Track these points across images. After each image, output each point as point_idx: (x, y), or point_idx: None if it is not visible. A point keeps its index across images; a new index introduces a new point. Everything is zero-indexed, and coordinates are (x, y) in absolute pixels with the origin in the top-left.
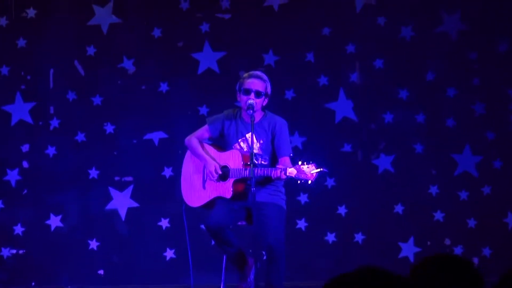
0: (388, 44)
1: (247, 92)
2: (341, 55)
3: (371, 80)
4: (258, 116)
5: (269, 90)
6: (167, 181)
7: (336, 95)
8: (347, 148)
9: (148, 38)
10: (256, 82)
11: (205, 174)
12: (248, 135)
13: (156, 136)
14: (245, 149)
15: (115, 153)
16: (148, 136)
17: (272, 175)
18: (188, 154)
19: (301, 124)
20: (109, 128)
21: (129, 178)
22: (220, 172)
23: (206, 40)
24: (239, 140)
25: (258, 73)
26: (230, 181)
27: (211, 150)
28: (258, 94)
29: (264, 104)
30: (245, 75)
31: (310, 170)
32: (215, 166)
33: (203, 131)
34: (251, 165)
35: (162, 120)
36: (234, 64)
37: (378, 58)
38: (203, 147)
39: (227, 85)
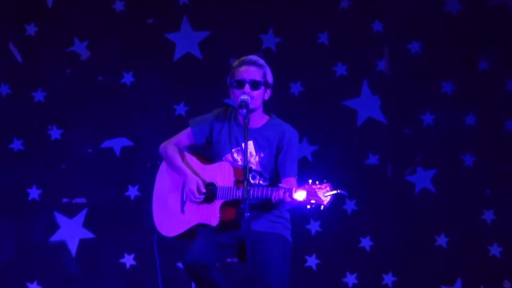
0: (428, 21)
1: (240, 84)
2: (365, 36)
3: (405, 69)
4: (259, 119)
5: (269, 78)
6: (132, 203)
7: (358, 90)
8: (372, 160)
9: (107, 13)
10: (251, 69)
11: (185, 193)
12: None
13: (118, 144)
14: (240, 162)
15: (63, 166)
16: (106, 144)
17: (273, 197)
18: (163, 166)
19: (311, 128)
20: (55, 133)
21: (82, 200)
22: (205, 191)
23: (184, 16)
24: (233, 150)
25: (253, 57)
26: (217, 204)
27: (193, 161)
28: (254, 85)
29: (266, 98)
30: (236, 62)
31: (324, 191)
32: (197, 183)
33: (184, 136)
34: (245, 182)
35: (126, 122)
36: (221, 48)
37: (414, 40)
38: (183, 157)
39: (212, 76)
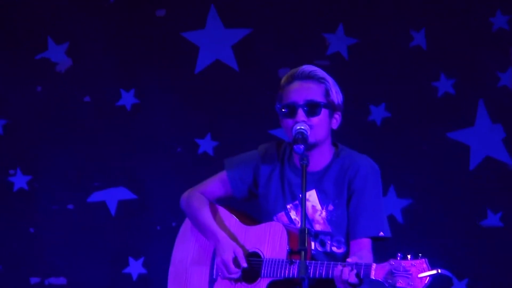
0: None
1: (291, 110)
2: (481, 35)
3: None
4: (324, 157)
5: (336, 96)
6: (134, 284)
7: (472, 116)
8: (492, 220)
9: (96, 2)
10: (306, 86)
11: (216, 266)
12: (306, 195)
13: (113, 197)
14: (300, 223)
15: (30, 230)
16: (96, 197)
17: (336, 275)
18: (185, 226)
19: (400, 173)
20: (19, 181)
21: (60, 281)
22: (246, 265)
23: (212, 6)
24: (289, 207)
25: (308, 68)
26: (262, 284)
27: (230, 220)
28: (312, 109)
29: (334, 126)
30: (284, 78)
31: (418, 270)
32: (235, 251)
33: (217, 183)
34: (303, 253)
35: (125, 165)
36: (267, 54)
37: None
38: (215, 213)
39: (253, 95)
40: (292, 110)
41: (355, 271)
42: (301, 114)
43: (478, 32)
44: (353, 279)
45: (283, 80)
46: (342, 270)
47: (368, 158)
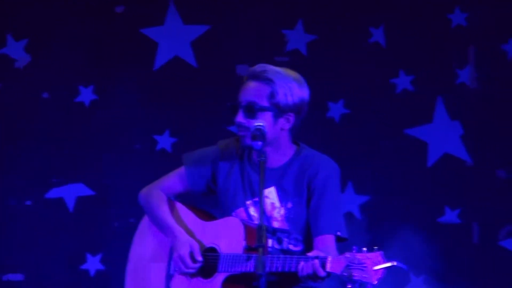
0: None
1: (234, 108)
2: (440, 33)
3: (500, 81)
4: (283, 153)
5: (283, 97)
6: (92, 281)
7: (430, 113)
8: (450, 216)
9: None
10: (251, 86)
11: (173, 262)
12: (266, 192)
13: (71, 193)
14: (257, 220)
15: None
16: (54, 193)
17: (300, 270)
18: (143, 223)
19: (359, 170)
20: None
21: (17, 277)
22: (201, 259)
23: (171, 3)
24: (248, 203)
25: (259, 67)
26: (219, 279)
27: (188, 216)
28: (249, 111)
29: (285, 127)
30: (245, 76)
31: (373, 263)
32: (191, 246)
33: (175, 179)
34: (261, 249)
35: (84, 161)
36: (225, 50)
37: None
38: (173, 209)
39: (212, 92)
40: (235, 109)
41: (321, 262)
42: (240, 115)
43: (437, 29)
44: (316, 269)
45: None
46: (306, 263)
47: (329, 158)
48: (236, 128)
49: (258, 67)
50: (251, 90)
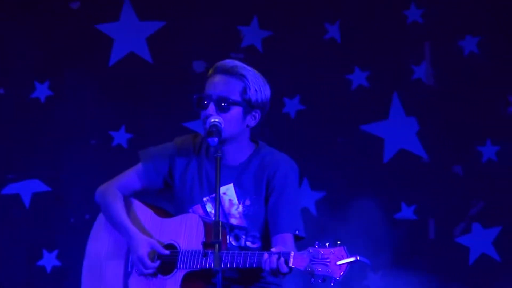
0: (491, 6)
1: (202, 102)
2: (395, 29)
3: (455, 78)
4: (242, 151)
5: (254, 94)
6: (48, 278)
7: (386, 109)
8: (406, 212)
9: None
10: (222, 80)
11: (130, 261)
12: (224, 189)
13: (27, 189)
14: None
15: None
16: (9, 190)
17: (263, 265)
18: (99, 220)
19: (315, 165)
20: None
21: None
22: (167, 252)
23: None
24: (205, 199)
25: (230, 62)
26: (178, 276)
27: (145, 213)
28: (221, 105)
29: (251, 124)
30: (210, 70)
31: (336, 258)
32: (151, 245)
33: (132, 176)
34: (217, 245)
35: (39, 157)
36: (181, 46)
37: (468, 35)
38: (129, 207)
39: (168, 88)
40: (203, 103)
41: (283, 258)
42: (211, 108)
43: (393, 25)
44: (279, 265)
45: (209, 71)
46: (269, 258)
47: (288, 157)
48: (202, 121)
49: (229, 62)
50: (223, 85)
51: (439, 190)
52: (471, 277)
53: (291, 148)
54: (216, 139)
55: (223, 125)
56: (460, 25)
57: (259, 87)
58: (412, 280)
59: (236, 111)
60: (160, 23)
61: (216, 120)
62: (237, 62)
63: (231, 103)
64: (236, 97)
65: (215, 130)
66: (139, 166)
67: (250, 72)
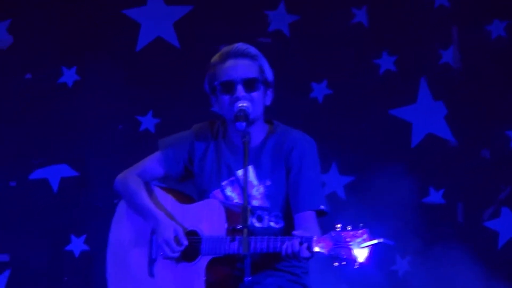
0: None
1: (229, 87)
2: (423, 13)
3: (483, 62)
4: (259, 133)
5: (269, 73)
6: (76, 262)
7: (414, 93)
8: (434, 197)
9: None
10: (242, 63)
11: (154, 246)
12: (243, 171)
13: (55, 174)
14: (236, 200)
15: None
16: (38, 174)
17: (284, 250)
18: (121, 207)
19: (342, 150)
20: None
21: (2, 258)
22: (186, 242)
23: None
24: (224, 183)
25: (241, 46)
26: (202, 262)
27: (167, 200)
28: (250, 85)
29: (267, 103)
30: (216, 57)
31: (358, 241)
32: (175, 231)
33: (153, 163)
34: (245, 230)
35: (67, 142)
36: (209, 31)
37: (496, 19)
38: (151, 194)
39: (195, 73)
40: (229, 87)
41: (305, 244)
42: (240, 89)
43: (420, 9)
44: (301, 250)
45: (215, 58)
46: (290, 242)
47: (303, 133)
48: (226, 107)
49: (239, 46)
50: (244, 67)
51: (467, 175)
52: (499, 261)
53: (319, 132)
54: (244, 124)
55: (250, 109)
56: (487, 9)
57: (269, 66)
58: (440, 265)
59: (261, 90)
60: (187, 7)
61: (244, 104)
62: (246, 44)
63: (257, 82)
64: (259, 76)
65: (242, 114)
66: (158, 154)
67: (260, 53)
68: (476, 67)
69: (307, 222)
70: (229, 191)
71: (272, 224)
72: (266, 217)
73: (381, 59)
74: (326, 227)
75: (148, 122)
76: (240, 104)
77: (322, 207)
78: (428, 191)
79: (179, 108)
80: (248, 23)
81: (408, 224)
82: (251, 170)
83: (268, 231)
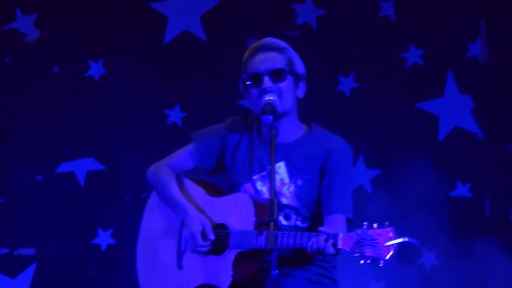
0: None
1: (256, 79)
2: (450, 6)
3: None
4: (294, 129)
5: (299, 65)
6: (103, 256)
7: (441, 86)
8: (461, 190)
9: None
10: (269, 56)
11: (184, 239)
12: (276, 167)
13: (82, 167)
14: (266, 195)
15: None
16: (65, 168)
17: (310, 246)
18: (152, 199)
19: (369, 143)
20: None
21: (29, 251)
22: (213, 238)
23: None
24: (255, 178)
25: (268, 40)
26: (230, 256)
27: (198, 192)
28: (277, 75)
29: (300, 95)
30: (246, 53)
31: (384, 239)
32: (203, 224)
33: (185, 156)
34: (272, 224)
35: (94, 135)
36: (235, 24)
37: None
38: (182, 186)
39: (222, 66)
40: (257, 79)
41: (331, 241)
42: (267, 80)
43: (447, 2)
44: (327, 247)
45: (246, 54)
46: (316, 238)
47: (342, 139)
48: (254, 100)
49: (267, 40)
50: (272, 59)
51: (494, 168)
52: None
53: (346, 126)
54: (271, 117)
55: (277, 102)
56: None
57: (299, 59)
58: (467, 258)
59: (289, 81)
60: (214, 1)
61: (271, 98)
62: (274, 39)
63: (284, 72)
64: (286, 67)
65: (269, 108)
66: (191, 147)
67: (288, 45)
68: (503, 60)
69: (336, 224)
70: (259, 186)
71: (298, 223)
72: (293, 216)
73: (408, 52)
74: (351, 224)
75: (175, 115)
76: (267, 98)
77: (348, 215)
78: (455, 184)
79: (206, 101)
80: (275, 17)
81: (435, 218)
82: (283, 166)
83: (293, 230)
